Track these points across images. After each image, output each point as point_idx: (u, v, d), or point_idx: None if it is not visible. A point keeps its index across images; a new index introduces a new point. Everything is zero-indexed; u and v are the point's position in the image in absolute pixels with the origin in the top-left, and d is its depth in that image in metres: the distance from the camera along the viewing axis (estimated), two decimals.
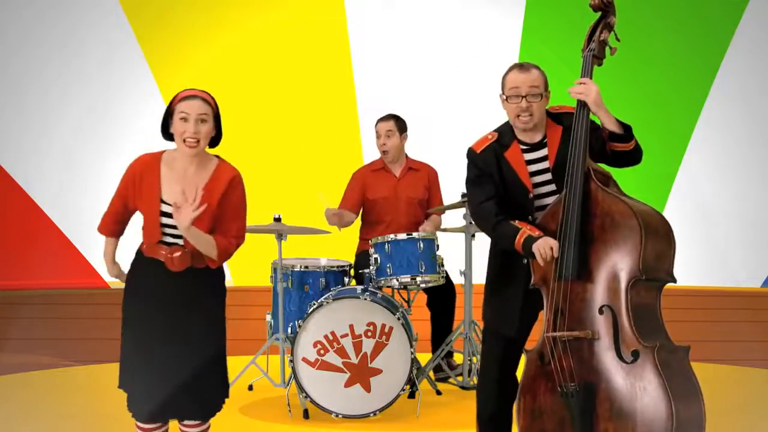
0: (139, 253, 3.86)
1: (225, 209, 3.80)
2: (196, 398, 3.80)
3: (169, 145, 3.86)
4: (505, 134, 3.99)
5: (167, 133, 3.81)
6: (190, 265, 3.76)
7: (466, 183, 4.07)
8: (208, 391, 3.84)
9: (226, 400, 3.93)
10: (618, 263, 3.68)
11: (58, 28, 8.55)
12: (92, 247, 8.48)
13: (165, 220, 3.75)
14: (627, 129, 3.83)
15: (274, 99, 8.84)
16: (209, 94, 3.84)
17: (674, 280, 3.78)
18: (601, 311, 3.69)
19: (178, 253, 3.74)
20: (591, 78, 3.87)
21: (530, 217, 3.95)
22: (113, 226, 3.94)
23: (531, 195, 3.93)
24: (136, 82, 8.49)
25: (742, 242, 8.75)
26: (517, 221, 3.88)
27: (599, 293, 3.71)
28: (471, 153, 4.02)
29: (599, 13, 3.98)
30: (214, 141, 3.86)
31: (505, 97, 3.95)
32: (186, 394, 3.78)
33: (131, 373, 3.81)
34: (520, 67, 3.97)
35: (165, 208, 3.75)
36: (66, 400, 6.20)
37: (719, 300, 8.18)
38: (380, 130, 6.34)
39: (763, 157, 8.88)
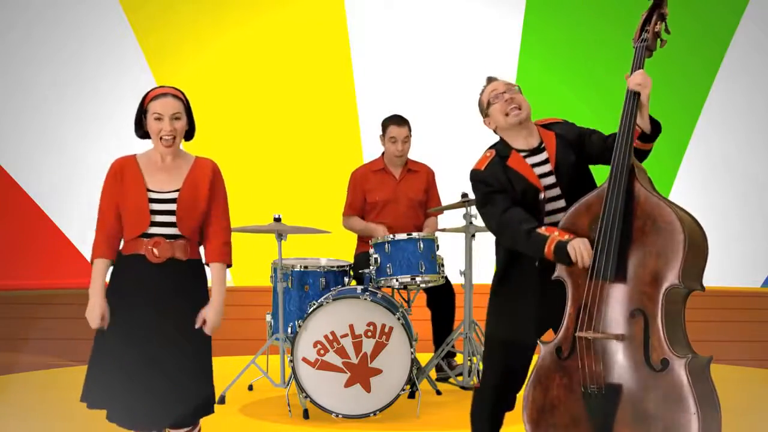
0: (119, 254, 3.84)
1: (215, 205, 3.83)
2: (188, 403, 3.75)
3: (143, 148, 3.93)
4: (501, 148, 3.99)
5: (141, 131, 3.87)
6: (172, 255, 3.76)
7: (479, 206, 3.99)
8: (198, 393, 3.79)
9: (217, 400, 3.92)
10: (656, 269, 3.59)
11: (58, 28, 8.55)
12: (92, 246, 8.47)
13: (153, 206, 3.76)
14: (656, 130, 3.77)
15: (274, 99, 8.84)
16: (179, 90, 3.88)
17: (703, 288, 3.72)
18: (632, 315, 3.62)
19: (159, 245, 3.74)
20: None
21: (542, 218, 3.89)
22: (109, 244, 3.82)
23: (543, 196, 3.91)
24: (136, 81, 8.48)
25: (742, 242, 8.74)
26: (544, 228, 3.80)
27: (632, 296, 3.63)
28: (476, 173, 3.98)
29: (652, 2, 3.88)
30: (188, 134, 3.90)
31: (487, 103, 4.00)
32: (176, 400, 3.72)
33: (110, 381, 3.74)
34: (488, 78, 4.10)
35: (152, 195, 3.77)
36: (66, 400, 6.20)
37: (719, 300, 8.18)
38: (398, 135, 6.29)
39: (763, 156, 8.88)
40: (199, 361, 3.78)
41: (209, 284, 3.90)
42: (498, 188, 3.92)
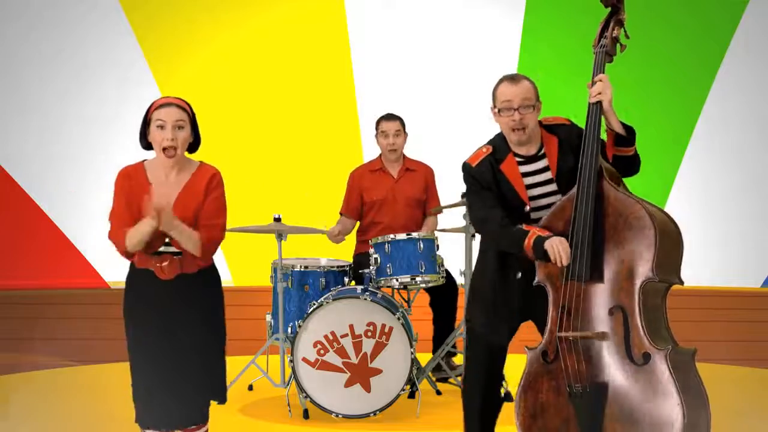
0: (132, 266, 3.86)
1: (208, 205, 3.80)
2: (193, 404, 3.81)
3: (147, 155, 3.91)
4: (499, 147, 3.99)
5: (145, 142, 3.84)
6: (180, 272, 3.78)
7: (466, 194, 4.09)
8: (206, 395, 3.86)
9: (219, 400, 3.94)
10: (631, 264, 3.65)
11: (58, 28, 8.55)
12: (92, 247, 8.48)
13: None
14: (631, 133, 3.83)
15: (273, 99, 8.84)
16: (185, 101, 3.85)
17: (682, 282, 3.76)
18: (611, 312, 3.67)
19: (166, 262, 3.76)
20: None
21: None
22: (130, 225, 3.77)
23: (527, 208, 3.94)
24: (136, 81, 8.49)
25: (742, 242, 8.74)
26: (524, 225, 3.86)
27: (610, 293, 3.68)
28: (467, 167, 4.02)
29: (609, 9, 3.96)
30: (193, 146, 3.88)
31: (497, 110, 3.96)
32: (185, 401, 3.79)
33: (138, 383, 3.84)
34: (511, 79, 3.96)
35: None
36: (66, 400, 6.20)
37: (719, 300, 8.18)
38: (389, 129, 6.32)
39: (763, 156, 8.88)
40: (205, 370, 3.82)
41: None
42: (485, 186, 3.96)
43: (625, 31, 3.95)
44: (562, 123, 4.03)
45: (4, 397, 6.26)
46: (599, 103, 3.79)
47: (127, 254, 3.80)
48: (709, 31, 8.75)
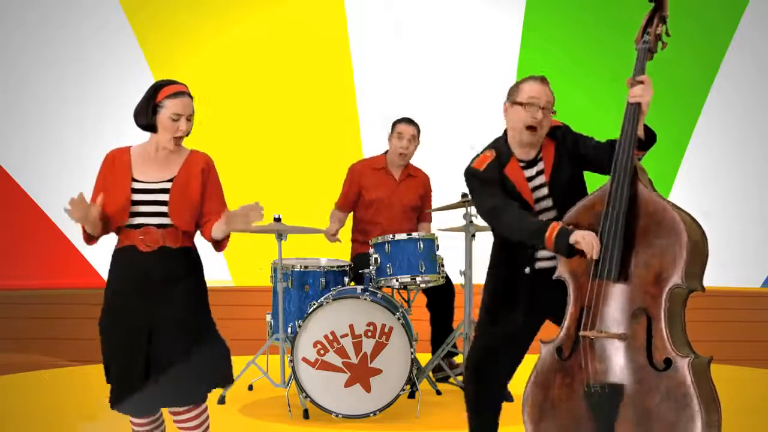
0: (115, 251, 3.89)
1: (212, 192, 3.90)
2: (178, 385, 3.76)
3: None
4: (502, 152, 3.97)
5: (145, 122, 3.86)
6: (163, 244, 3.78)
7: (473, 195, 4.01)
8: (192, 375, 3.79)
9: (223, 387, 3.98)
10: (660, 269, 3.61)
11: (59, 29, 8.56)
12: (92, 247, 8.47)
13: (136, 197, 3.80)
14: (651, 140, 3.80)
15: (274, 99, 8.84)
16: (187, 86, 3.91)
17: (703, 289, 3.74)
18: (635, 314, 3.63)
19: (149, 234, 3.79)
20: (644, 73, 3.80)
21: None
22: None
23: (533, 210, 3.92)
24: (136, 81, 8.48)
25: (741, 242, 8.74)
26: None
27: (635, 296, 3.64)
28: (473, 171, 3.97)
29: (653, 4, 3.91)
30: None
31: (521, 103, 3.91)
32: (168, 382, 3.75)
33: (113, 367, 3.86)
34: (541, 79, 3.97)
35: (136, 185, 3.81)
36: (66, 400, 6.20)
37: (719, 300, 8.18)
38: (405, 132, 6.28)
39: (762, 157, 8.89)
40: (195, 345, 3.78)
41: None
42: (494, 185, 3.92)
43: (666, 29, 3.89)
44: (557, 125, 4.02)
45: (3, 397, 6.26)
46: (638, 105, 3.74)
47: (89, 238, 3.92)
48: (709, 32, 8.75)
